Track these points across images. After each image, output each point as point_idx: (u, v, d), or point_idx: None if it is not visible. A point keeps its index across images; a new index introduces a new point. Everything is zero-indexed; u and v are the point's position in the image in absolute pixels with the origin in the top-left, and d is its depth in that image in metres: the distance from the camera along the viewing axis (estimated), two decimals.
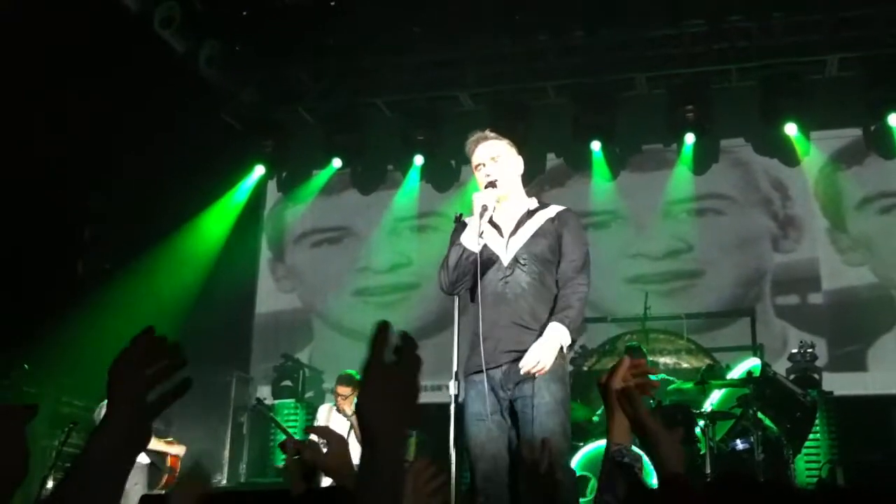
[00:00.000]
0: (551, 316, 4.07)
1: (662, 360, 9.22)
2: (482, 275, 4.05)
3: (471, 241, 4.06)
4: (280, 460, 9.20)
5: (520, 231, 4.18)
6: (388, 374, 1.53)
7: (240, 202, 11.50)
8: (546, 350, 3.91)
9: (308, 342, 11.35)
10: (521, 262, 4.09)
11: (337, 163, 11.23)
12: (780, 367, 8.86)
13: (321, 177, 11.63)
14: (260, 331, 11.56)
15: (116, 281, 10.14)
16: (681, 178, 10.74)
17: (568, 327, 3.99)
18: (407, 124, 10.96)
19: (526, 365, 3.89)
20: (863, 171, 10.36)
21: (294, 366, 10.39)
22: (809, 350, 9.00)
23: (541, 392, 3.91)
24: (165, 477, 8.03)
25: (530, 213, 4.23)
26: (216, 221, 11.32)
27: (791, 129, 10.06)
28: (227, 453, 9.44)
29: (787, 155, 10.41)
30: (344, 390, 7.86)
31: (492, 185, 4.18)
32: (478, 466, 4.00)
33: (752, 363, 8.06)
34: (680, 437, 2.07)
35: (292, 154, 11.47)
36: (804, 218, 10.43)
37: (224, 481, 9.11)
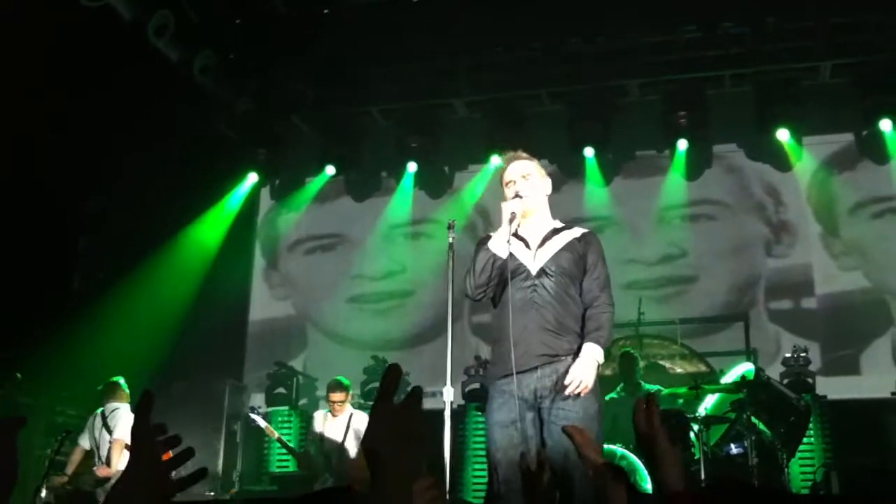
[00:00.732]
0: (583, 332, 4.29)
1: (658, 363, 9.22)
2: (511, 284, 4.26)
3: (499, 247, 4.30)
4: (275, 467, 9.20)
5: (547, 244, 4.40)
6: (397, 413, 1.55)
7: (233, 210, 11.49)
8: (586, 370, 4.12)
9: (302, 350, 11.35)
10: (549, 272, 4.30)
11: (330, 170, 11.22)
12: (774, 371, 8.87)
13: (315, 184, 11.63)
14: (254, 338, 11.55)
15: (111, 290, 10.14)
16: (674, 184, 10.76)
17: (602, 346, 4.22)
18: (401, 132, 10.98)
19: (570, 386, 4.09)
20: (855, 176, 10.40)
21: (288, 373, 10.38)
22: (803, 354, 9.01)
23: (575, 405, 4.11)
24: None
25: (556, 231, 4.47)
26: (210, 229, 11.32)
27: (783, 134, 10.09)
28: (220, 462, 9.42)
29: (779, 160, 10.44)
30: (336, 396, 7.88)
31: (518, 195, 4.41)
32: (500, 472, 4.11)
33: (745, 368, 8.07)
34: (682, 457, 2.11)
35: (286, 162, 11.48)
36: (797, 223, 10.46)
37: (218, 489, 9.09)
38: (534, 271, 4.33)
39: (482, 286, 4.35)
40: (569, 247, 4.39)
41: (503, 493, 4.07)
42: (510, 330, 4.16)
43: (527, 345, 4.19)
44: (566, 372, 4.14)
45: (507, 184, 4.52)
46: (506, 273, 4.28)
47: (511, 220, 4.31)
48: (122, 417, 7.91)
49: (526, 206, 4.42)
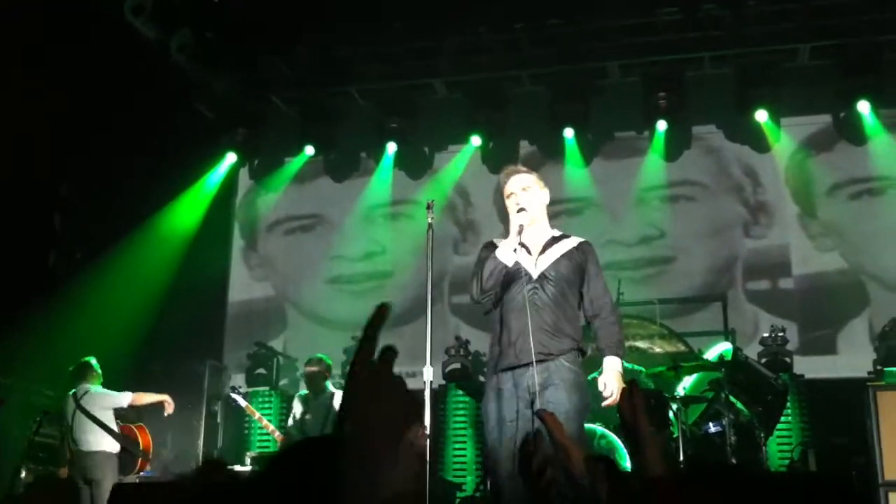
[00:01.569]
0: (577, 334, 4.66)
1: (635, 344, 9.26)
2: (512, 287, 4.61)
3: (506, 256, 4.61)
4: (256, 447, 9.20)
5: (548, 252, 4.73)
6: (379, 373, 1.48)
7: (211, 190, 11.41)
8: (614, 380, 4.55)
9: (282, 330, 11.33)
10: (549, 277, 4.64)
11: (309, 150, 11.18)
12: (752, 351, 8.97)
13: (294, 164, 11.58)
14: (233, 319, 11.51)
15: (88, 271, 10.08)
16: (653, 165, 10.78)
17: (621, 357, 4.68)
18: (380, 112, 10.94)
19: (609, 400, 4.53)
20: (833, 157, 10.46)
21: (268, 354, 10.37)
22: (780, 334, 9.09)
23: (563, 399, 4.40)
24: (139, 461, 7.99)
25: (556, 239, 4.80)
26: (188, 210, 11.24)
27: (762, 115, 10.13)
28: (201, 442, 9.42)
29: (758, 142, 10.48)
30: (311, 368, 7.92)
31: (523, 210, 4.69)
32: (504, 465, 4.38)
33: (723, 347, 8.15)
34: (663, 443, 2.15)
35: (264, 142, 11.42)
36: (775, 204, 10.52)
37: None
38: (535, 276, 4.64)
39: (488, 291, 4.66)
40: (568, 255, 4.71)
41: (510, 487, 4.28)
42: (511, 328, 4.55)
43: (525, 343, 4.47)
44: (557, 369, 4.47)
45: (508, 196, 4.80)
46: (508, 276, 4.61)
47: (520, 232, 4.61)
48: (96, 399, 7.89)
49: (527, 218, 4.70)
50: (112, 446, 7.86)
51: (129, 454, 7.91)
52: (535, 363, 4.42)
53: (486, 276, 4.61)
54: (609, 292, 4.87)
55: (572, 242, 4.79)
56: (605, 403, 4.55)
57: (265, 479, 2.00)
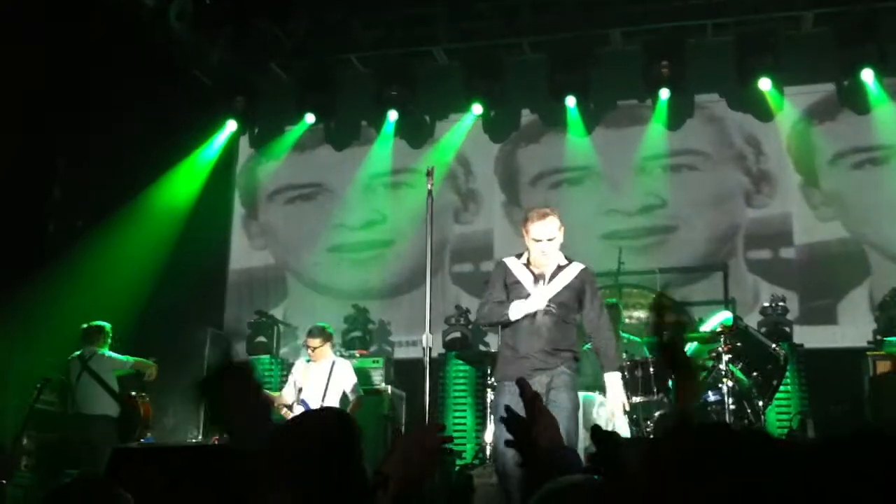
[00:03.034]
0: (575, 347, 5.46)
1: (636, 313, 9.27)
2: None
3: (516, 314, 5.32)
4: None
5: (553, 282, 5.37)
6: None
7: (212, 158, 11.37)
8: (620, 395, 5.54)
9: (282, 299, 11.33)
10: (552, 307, 5.31)
11: (310, 118, 11.13)
12: (752, 320, 8.96)
13: (294, 133, 11.53)
14: (234, 288, 11.51)
15: (88, 239, 10.05)
16: (655, 133, 10.73)
17: (619, 371, 5.58)
18: (380, 80, 10.87)
19: (617, 411, 5.71)
20: (835, 126, 10.39)
21: (268, 322, 10.37)
22: (781, 304, 9.09)
23: (565, 400, 5.17)
24: (137, 430, 8.02)
25: (560, 268, 5.43)
26: (188, 178, 11.20)
27: (765, 84, 10.06)
28: (202, 409, 9.44)
29: (760, 110, 10.42)
30: (313, 342, 7.87)
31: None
32: (510, 453, 4.70)
33: (724, 316, 8.13)
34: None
35: (264, 110, 11.37)
36: (777, 173, 10.47)
37: (200, 436, 9.11)
38: (541, 306, 5.32)
39: (490, 327, 5.95)
40: (569, 286, 5.39)
41: (515, 475, 4.86)
42: (519, 348, 5.33)
43: (530, 360, 5.28)
44: (558, 374, 5.27)
45: (534, 238, 5.37)
46: (518, 298, 5.36)
47: (537, 307, 5.31)
48: (104, 361, 7.97)
49: (546, 263, 5.39)
50: (113, 410, 7.89)
51: (127, 421, 7.94)
52: (538, 374, 5.17)
53: (493, 322, 5.64)
54: (604, 312, 5.63)
55: (574, 271, 5.45)
56: (608, 418, 5.55)
57: (278, 443, 2.01)
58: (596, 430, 2.16)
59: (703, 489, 1.58)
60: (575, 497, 1.80)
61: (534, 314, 5.31)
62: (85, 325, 8.22)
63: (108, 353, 8.13)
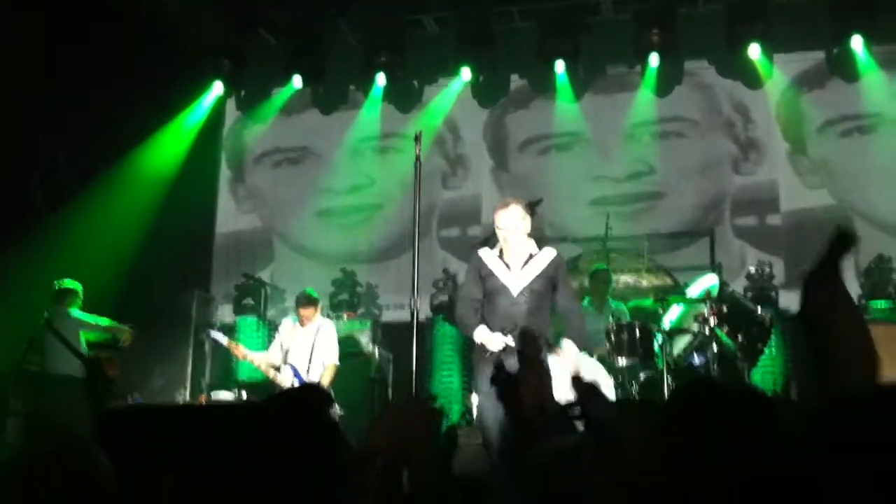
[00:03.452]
0: (567, 335, 5.56)
1: (623, 278, 9.30)
2: (495, 299, 5.46)
3: (478, 339, 5.40)
4: (245, 375, 9.24)
5: (525, 269, 5.50)
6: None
7: (198, 121, 11.30)
8: (574, 356, 5.50)
9: (269, 262, 11.31)
10: (526, 295, 5.43)
11: (297, 82, 11.07)
12: (738, 286, 9.01)
13: (281, 96, 11.46)
14: (220, 251, 11.48)
15: (74, 201, 10.00)
16: (644, 100, 10.73)
17: (577, 343, 5.55)
18: (369, 46, 10.81)
19: (570, 370, 5.26)
20: (824, 94, 10.41)
21: (255, 284, 10.35)
22: (766, 269, 9.15)
23: None
24: (106, 391, 7.96)
25: (532, 256, 5.54)
26: (174, 140, 11.14)
27: (755, 51, 10.06)
28: (189, 370, 9.46)
29: (750, 78, 10.43)
30: (306, 312, 7.87)
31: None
32: (493, 429, 4.98)
33: (710, 281, 8.15)
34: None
35: (251, 73, 11.30)
36: (765, 141, 10.49)
37: (187, 397, 9.14)
38: (514, 293, 5.43)
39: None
40: (542, 274, 5.48)
41: (501, 443, 4.83)
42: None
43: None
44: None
45: (498, 227, 5.53)
46: (490, 289, 5.49)
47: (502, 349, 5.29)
48: (68, 321, 7.92)
49: (513, 245, 5.50)
50: (79, 371, 7.82)
51: (94, 383, 7.88)
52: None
53: (462, 331, 5.82)
54: (577, 298, 5.89)
55: (546, 259, 5.54)
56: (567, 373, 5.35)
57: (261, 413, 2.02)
58: (576, 382, 2.17)
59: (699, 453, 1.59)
60: (565, 458, 1.80)
61: (509, 301, 5.43)
62: (56, 285, 8.15)
63: (76, 313, 8.04)
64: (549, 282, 5.52)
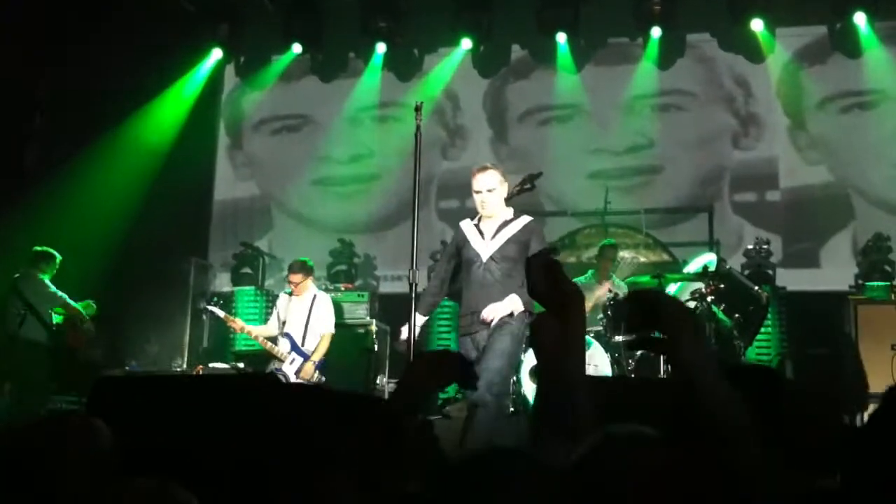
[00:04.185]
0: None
1: (621, 253, 9.30)
2: (469, 267, 5.50)
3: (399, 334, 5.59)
4: (242, 345, 9.25)
5: (497, 236, 5.51)
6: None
7: (197, 87, 11.21)
8: (499, 308, 5.34)
9: (267, 230, 11.29)
10: (496, 259, 5.45)
11: (297, 49, 10.99)
12: (736, 262, 9.02)
13: (280, 63, 11.37)
14: (218, 218, 11.44)
15: (69, 168, 9.96)
16: (645, 73, 10.66)
17: (522, 301, 5.30)
18: (368, 12, 10.72)
19: (484, 316, 5.35)
20: (826, 70, 10.35)
21: (254, 254, 10.34)
22: (765, 246, 9.14)
23: (498, 341, 5.27)
24: (66, 358, 7.96)
25: (506, 223, 5.54)
26: (172, 106, 11.07)
27: (757, 24, 10.01)
28: (186, 338, 9.47)
29: (751, 51, 10.37)
30: (295, 277, 7.88)
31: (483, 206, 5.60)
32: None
33: (708, 258, 8.18)
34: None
35: (250, 39, 11.20)
36: (765, 116, 10.45)
37: (184, 366, 9.15)
38: (484, 259, 5.46)
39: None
40: (514, 238, 5.48)
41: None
42: (469, 303, 5.50)
43: (477, 315, 5.40)
44: (503, 324, 5.32)
45: (475, 192, 5.56)
46: (466, 258, 5.52)
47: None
48: (33, 284, 7.92)
49: (487, 214, 5.56)
50: (41, 336, 7.81)
51: (56, 350, 7.86)
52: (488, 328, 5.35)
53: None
54: None
55: (519, 224, 5.53)
56: (482, 317, 5.36)
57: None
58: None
59: None
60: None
61: (481, 268, 5.45)
62: (34, 250, 8.12)
63: (43, 278, 7.99)
64: (522, 247, 5.47)
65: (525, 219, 5.62)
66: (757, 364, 7.16)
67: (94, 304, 8.19)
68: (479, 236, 5.55)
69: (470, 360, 5.02)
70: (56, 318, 7.94)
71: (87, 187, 9.87)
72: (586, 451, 1.58)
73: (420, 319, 5.55)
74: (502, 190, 5.62)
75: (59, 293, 8.01)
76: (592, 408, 1.93)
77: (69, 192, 9.69)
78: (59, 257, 8.15)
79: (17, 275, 8.04)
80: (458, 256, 5.62)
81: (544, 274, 2.00)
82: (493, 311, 5.33)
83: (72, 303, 8.04)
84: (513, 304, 5.34)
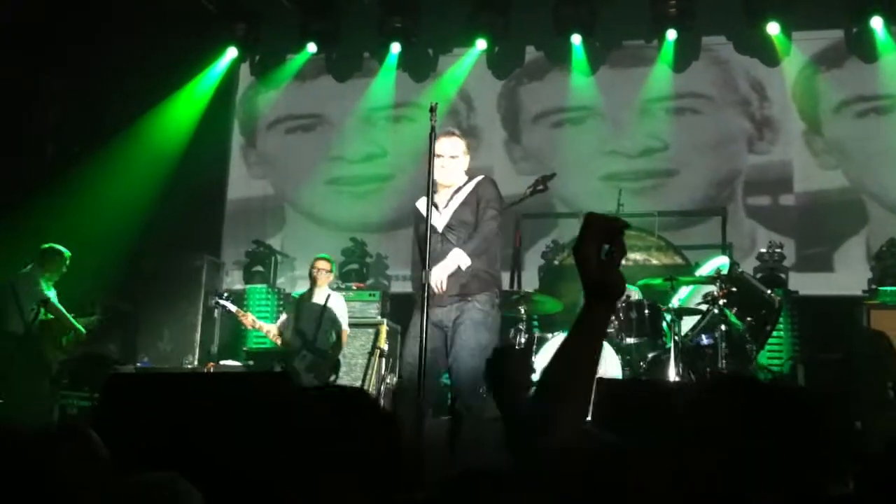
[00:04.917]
0: (494, 273, 5.33)
1: (633, 255, 9.27)
2: (431, 243, 5.04)
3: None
4: (253, 343, 9.27)
5: (450, 204, 5.30)
6: None
7: (211, 85, 11.25)
8: (442, 270, 5.04)
9: (280, 229, 11.31)
10: (452, 227, 5.22)
11: (312, 48, 11.01)
12: (749, 266, 8.99)
13: (295, 62, 11.40)
14: (231, 216, 11.46)
15: (85, 164, 10.02)
16: (660, 75, 10.64)
17: (465, 251, 5.10)
18: (384, 11, 10.73)
19: (433, 285, 4.95)
20: (842, 74, 10.31)
21: (266, 252, 10.37)
22: (778, 250, 9.11)
23: (469, 336, 5.04)
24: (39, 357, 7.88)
25: (459, 189, 5.33)
26: (187, 104, 11.11)
27: (773, 28, 9.97)
28: (198, 336, 9.49)
29: (767, 55, 10.33)
30: (325, 265, 7.93)
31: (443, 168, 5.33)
32: (406, 368, 5.15)
33: (720, 261, 8.16)
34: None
35: (266, 37, 11.22)
36: (781, 120, 10.41)
37: (196, 363, 9.18)
38: (440, 228, 5.20)
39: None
40: (466, 201, 5.26)
41: (405, 385, 5.12)
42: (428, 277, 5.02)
43: (443, 287, 5.05)
44: (468, 310, 5.10)
45: (436, 155, 5.22)
46: (422, 234, 5.11)
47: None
48: (24, 280, 7.88)
49: (445, 182, 5.32)
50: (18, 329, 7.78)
51: (30, 346, 7.80)
52: (450, 304, 5.12)
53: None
54: (494, 220, 5.29)
55: (470, 186, 5.31)
56: (432, 282, 4.95)
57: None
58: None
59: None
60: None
61: (438, 240, 5.13)
62: (41, 246, 8.09)
63: (40, 279, 7.92)
64: (474, 209, 5.26)
65: (477, 178, 5.39)
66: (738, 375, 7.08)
67: (95, 320, 8.15)
68: (434, 209, 5.18)
69: (435, 346, 5.01)
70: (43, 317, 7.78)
71: (103, 185, 9.92)
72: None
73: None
74: (465, 161, 5.41)
75: (47, 295, 7.84)
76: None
77: (84, 189, 9.75)
78: (66, 253, 8.07)
79: (14, 275, 7.99)
80: (419, 236, 5.31)
81: (608, 258, 1.90)
82: (438, 276, 4.99)
83: (62, 310, 7.87)
84: (456, 258, 5.07)
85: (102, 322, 8.22)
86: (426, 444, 4.66)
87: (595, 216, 1.88)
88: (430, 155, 5.48)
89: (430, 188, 5.35)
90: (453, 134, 5.45)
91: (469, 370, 4.89)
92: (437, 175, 5.19)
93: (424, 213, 5.09)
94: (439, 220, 5.22)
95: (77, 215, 9.39)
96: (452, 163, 5.31)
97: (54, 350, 7.89)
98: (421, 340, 4.74)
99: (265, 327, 7.99)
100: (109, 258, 8.97)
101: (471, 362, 4.90)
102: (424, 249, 5.01)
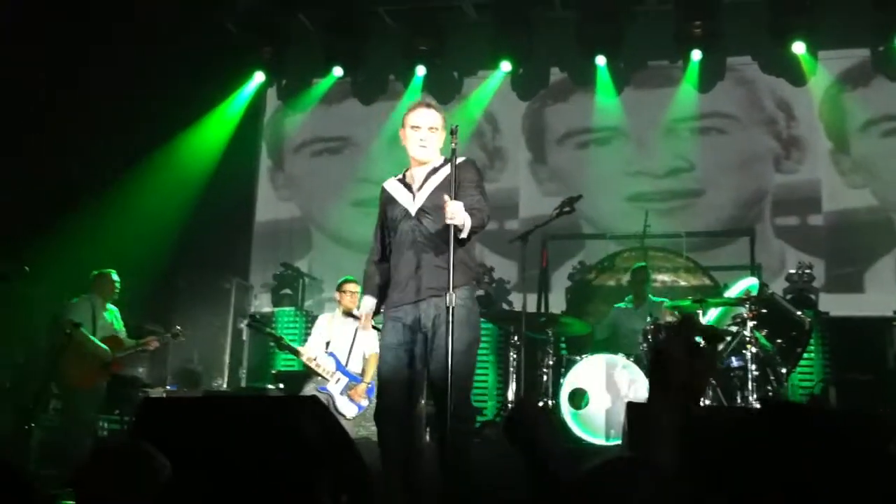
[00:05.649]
0: (472, 264, 4.63)
1: (661, 277, 9.25)
2: (398, 227, 4.58)
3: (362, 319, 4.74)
4: (282, 365, 9.29)
5: (425, 186, 4.62)
6: None
7: (239, 109, 11.39)
8: (462, 210, 4.26)
9: (307, 251, 11.37)
10: (427, 211, 4.53)
11: (338, 71, 11.10)
12: (778, 287, 8.94)
13: (322, 85, 11.50)
14: (259, 239, 11.56)
15: (116, 186, 10.12)
16: (685, 95, 10.65)
17: (472, 216, 4.32)
18: (409, 34, 10.81)
19: (447, 211, 4.23)
20: (868, 92, 10.28)
21: (294, 274, 10.42)
22: (807, 271, 9.06)
23: (455, 339, 4.21)
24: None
25: (435, 170, 4.66)
26: (216, 128, 11.24)
27: (799, 47, 9.96)
28: (227, 358, 9.54)
29: (793, 74, 10.31)
30: (351, 287, 7.87)
31: (424, 147, 4.62)
32: (387, 387, 4.46)
33: (749, 282, 8.11)
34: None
35: (292, 61, 11.33)
36: (807, 139, 10.39)
37: (224, 385, 9.22)
38: (413, 212, 4.56)
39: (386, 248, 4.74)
40: (444, 183, 4.51)
41: (387, 406, 4.43)
42: (399, 269, 4.53)
43: (418, 280, 4.45)
44: (448, 307, 4.17)
45: (412, 126, 4.66)
46: (391, 217, 4.62)
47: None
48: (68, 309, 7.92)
49: (424, 157, 4.65)
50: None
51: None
52: (426, 299, 4.41)
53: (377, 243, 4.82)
54: (483, 204, 4.52)
55: (448, 168, 4.51)
56: (446, 210, 4.25)
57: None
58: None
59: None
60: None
61: (410, 225, 4.56)
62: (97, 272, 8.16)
63: (73, 300, 7.99)
64: (456, 189, 4.46)
65: (459, 159, 4.51)
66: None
67: (169, 336, 8.20)
68: (406, 190, 4.67)
69: (405, 343, 4.45)
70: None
71: (133, 207, 10.01)
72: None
73: (370, 302, 4.70)
74: (442, 135, 4.71)
75: (73, 315, 7.83)
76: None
77: (116, 210, 9.84)
78: (115, 276, 8.11)
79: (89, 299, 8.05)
80: (386, 222, 4.72)
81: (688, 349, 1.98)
82: (454, 210, 4.24)
83: (87, 334, 7.80)
84: (466, 216, 4.31)
85: (178, 335, 8.20)
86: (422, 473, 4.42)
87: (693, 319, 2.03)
88: (452, 177, 4.94)
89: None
90: (431, 106, 4.79)
91: (456, 378, 4.17)
92: (415, 151, 4.62)
93: (394, 195, 4.67)
94: (412, 203, 4.62)
95: (107, 238, 9.47)
96: (432, 136, 4.65)
97: (80, 376, 7.86)
98: (446, 348, 4.08)
99: (296, 349, 7.93)
100: (139, 281, 9.01)
101: (457, 369, 4.19)
102: (388, 235, 4.65)
